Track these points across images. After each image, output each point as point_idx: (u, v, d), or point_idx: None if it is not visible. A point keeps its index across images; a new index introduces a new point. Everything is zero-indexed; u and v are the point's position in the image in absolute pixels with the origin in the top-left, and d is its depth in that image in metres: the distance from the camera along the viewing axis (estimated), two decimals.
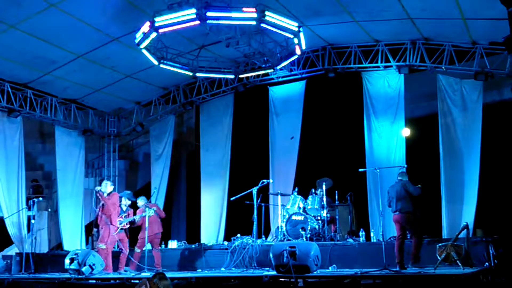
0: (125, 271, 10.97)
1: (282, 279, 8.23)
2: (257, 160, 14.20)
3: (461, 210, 11.71)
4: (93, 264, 9.87)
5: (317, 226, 11.49)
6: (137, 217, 11.20)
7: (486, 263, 9.26)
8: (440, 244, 9.13)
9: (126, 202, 11.42)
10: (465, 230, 9.15)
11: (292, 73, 13.86)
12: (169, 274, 9.65)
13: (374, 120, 13.04)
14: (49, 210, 14.29)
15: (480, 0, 10.06)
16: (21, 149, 13.58)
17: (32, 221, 12.62)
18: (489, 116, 11.99)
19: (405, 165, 11.01)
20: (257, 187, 10.82)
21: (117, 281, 9.21)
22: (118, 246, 11.20)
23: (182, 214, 15.96)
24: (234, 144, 14.57)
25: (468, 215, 11.46)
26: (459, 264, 8.73)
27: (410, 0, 10.46)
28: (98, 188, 10.94)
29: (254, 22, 9.85)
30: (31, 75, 13.03)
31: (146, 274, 9.71)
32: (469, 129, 12.04)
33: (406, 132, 12.62)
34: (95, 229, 11.39)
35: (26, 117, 13.86)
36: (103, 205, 10.67)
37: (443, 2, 10.38)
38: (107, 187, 10.86)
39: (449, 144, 12.22)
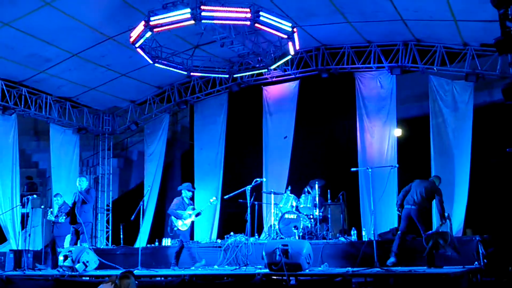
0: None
1: (275, 277, 8.31)
2: (251, 159, 14.29)
3: (451, 210, 11.80)
4: (87, 261, 9.93)
5: (309, 225, 11.57)
6: (202, 209, 11.00)
7: (476, 262, 9.33)
8: (426, 233, 9.19)
9: (187, 194, 10.96)
10: (448, 220, 9.25)
11: (286, 73, 13.92)
12: (162, 272, 9.87)
13: (366, 120, 13.14)
14: (43, 207, 14.30)
15: (471, 2, 10.17)
16: (15, 146, 13.61)
17: (27, 216, 12.63)
18: (480, 117, 12.13)
19: (397, 165, 11.16)
20: (251, 186, 10.87)
21: None
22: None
23: None
24: (228, 143, 14.61)
25: (458, 215, 11.60)
26: (447, 250, 8.79)
27: (402, 1, 10.58)
28: (79, 187, 10.99)
29: (248, 22, 9.90)
30: (26, 73, 13.04)
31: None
32: (460, 130, 12.17)
33: (398, 132, 12.76)
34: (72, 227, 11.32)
35: (20, 115, 13.88)
36: (81, 202, 10.80)
37: (435, 4, 10.48)
38: (83, 183, 11.01)
39: (440, 144, 12.35)
